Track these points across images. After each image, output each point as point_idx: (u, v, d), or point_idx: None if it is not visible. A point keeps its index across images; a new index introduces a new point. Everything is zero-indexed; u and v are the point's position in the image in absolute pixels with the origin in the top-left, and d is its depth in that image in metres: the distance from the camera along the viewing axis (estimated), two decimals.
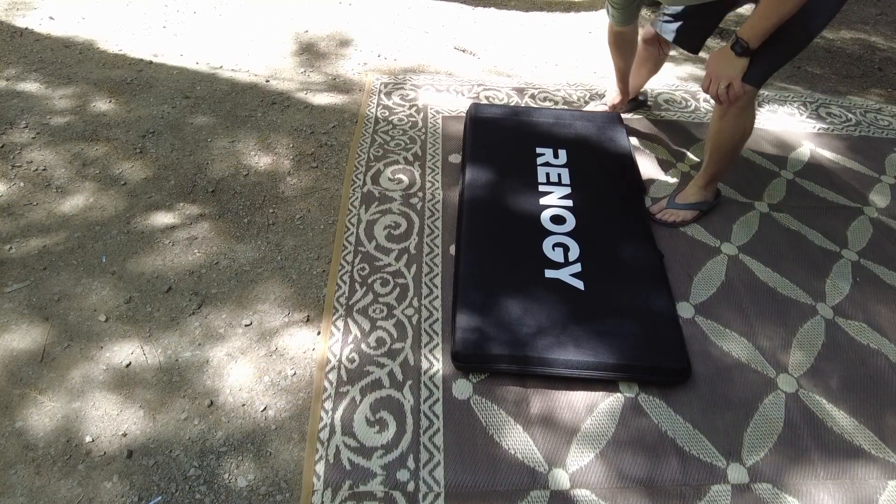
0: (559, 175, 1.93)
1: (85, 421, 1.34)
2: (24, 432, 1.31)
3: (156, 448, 1.30)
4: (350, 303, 1.59)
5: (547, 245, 1.68)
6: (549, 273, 1.60)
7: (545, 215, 1.77)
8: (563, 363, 1.41)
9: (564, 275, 1.60)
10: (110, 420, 1.35)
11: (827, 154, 2.24)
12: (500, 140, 2.05)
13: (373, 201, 1.90)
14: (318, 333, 1.54)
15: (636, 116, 2.37)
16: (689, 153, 2.18)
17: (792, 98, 2.59)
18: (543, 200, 1.82)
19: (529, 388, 1.43)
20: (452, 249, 1.74)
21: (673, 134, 2.28)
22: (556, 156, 2.00)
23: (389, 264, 1.70)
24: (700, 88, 2.13)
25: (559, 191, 1.86)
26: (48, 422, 1.33)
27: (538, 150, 2.02)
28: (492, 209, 1.79)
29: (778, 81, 2.80)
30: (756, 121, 1.73)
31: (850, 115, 2.49)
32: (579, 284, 1.57)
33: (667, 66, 2.81)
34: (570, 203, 1.82)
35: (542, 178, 1.91)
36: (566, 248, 1.67)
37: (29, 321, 1.53)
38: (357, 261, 1.71)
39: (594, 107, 2.38)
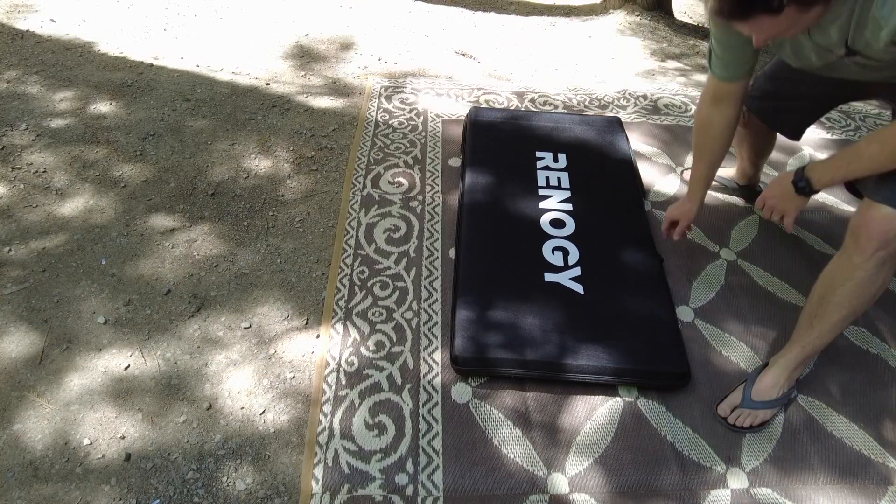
0: (559, 179, 1.93)
1: (83, 424, 1.34)
2: (22, 435, 1.31)
3: (154, 451, 1.30)
4: (349, 306, 1.59)
5: (547, 249, 1.68)
6: (548, 276, 1.60)
7: (545, 219, 1.77)
8: (563, 367, 1.41)
9: (564, 278, 1.60)
10: (108, 423, 1.34)
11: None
12: (500, 144, 2.05)
13: (372, 204, 1.90)
14: (318, 337, 1.54)
15: (637, 121, 2.37)
16: (689, 158, 2.18)
17: None
18: (543, 204, 1.83)
19: (529, 392, 1.43)
20: (452, 253, 1.74)
21: (673, 138, 2.29)
22: (555, 160, 2.00)
23: (389, 267, 1.70)
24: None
25: (559, 194, 1.86)
26: (46, 424, 1.33)
27: (538, 154, 2.02)
28: (491, 213, 1.79)
29: None
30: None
31: (849, 121, 2.50)
32: (579, 288, 1.57)
33: (668, 73, 2.82)
34: (569, 207, 1.82)
35: (541, 181, 1.91)
36: (566, 252, 1.67)
37: (28, 323, 1.52)
38: (356, 264, 1.71)
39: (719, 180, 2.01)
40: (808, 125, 1.64)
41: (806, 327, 1.33)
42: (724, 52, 1.33)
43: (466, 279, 1.58)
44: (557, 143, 2.08)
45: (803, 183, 1.24)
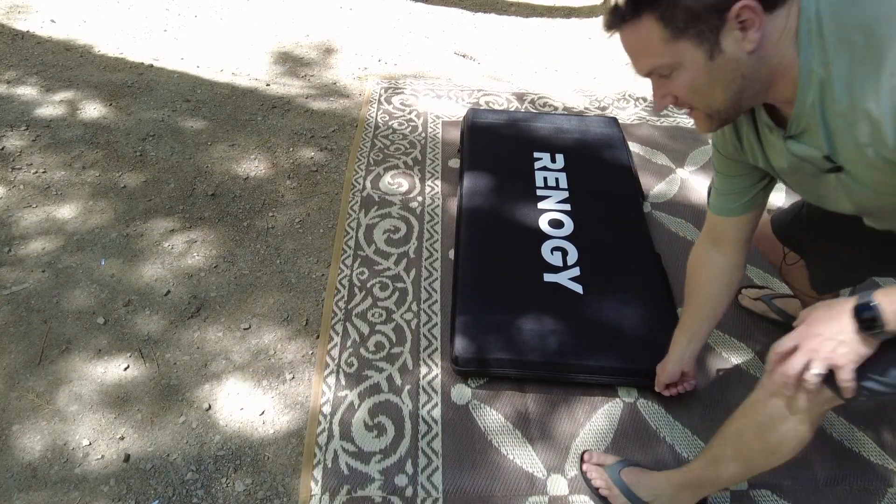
0: (556, 179, 1.93)
1: (82, 424, 1.34)
2: (21, 435, 1.31)
3: (153, 452, 1.30)
4: (349, 307, 1.59)
5: (546, 249, 1.68)
6: (547, 277, 1.60)
7: (543, 219, 1.77)
8: (563, 367, 1.41)
9: (563, 279, 1.60)
10: (108, 424, 1.34)
11: None
12: (498, 146, 2.05)
13: (372, 205, 1.90)
14: (317, 337, 1.54)
15: (635, 122, 2.37)
16: (690, 154, 2.18)
17: None
18: (541, 205, 1.83)
19: (528, 393, 1.43)
20: (452, 254, 1.74)
21: (673, 140, 2.29)
22: (553, 160, 2.00)
23: (388, 268, 1.70)
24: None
25: (557, 195, 1.86)
26: (45, 425, 1.33)
27: (535, 155, 2.02)
28: (490, 214, 1.79)
29: None
30: None
31: None
32: (578, 288, 1.57)
33: None
34: (567, 207, 1.82)
35: (539, 182, 1.91)
36: (565, 252, 1.67)
37: (27, 324, 1.52)
38: (356, 265, 1.70)
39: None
40: (842, 284, 1.28)
41: (710, 457, 1.09)
42: (724, 183, 1.07)
43: (466, 280, 1.58)
44: (555, 143, 2.08)
45: (871, 317, 0.77)
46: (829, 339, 0.81)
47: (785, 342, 0.85)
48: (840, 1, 0.72)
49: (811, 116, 0.77)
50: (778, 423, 0.93)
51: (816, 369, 0.81)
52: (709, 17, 0.72)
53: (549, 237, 1.72)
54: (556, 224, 1.76)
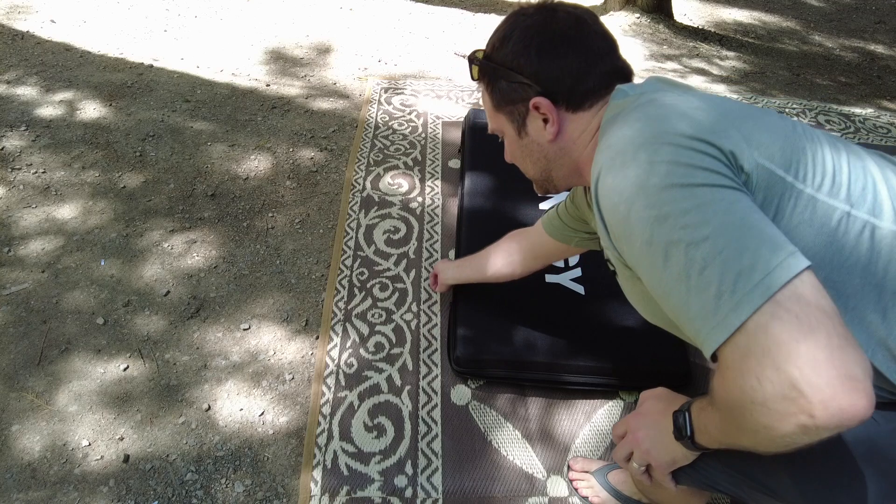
0: None
1: (81, 425, 1.33)
2: (21, 435, 1.31)
3: (153, 452, 1.30)
4: (349, 307, 1.59)
5: None
6: (549, 278, 1.60)
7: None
8: (564, 367, 1.40)
9: (565, 279, 1.60)
10: (107, 424, 1.34)
11: None
12: (499, 146, 2.04)
13: (372, 206, 1.90)
14: (317, 338, 1.54)
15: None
16: None
17: (791, 105, 2.59)
18: (543, 205, 1.82)
19: (528, 393, 1.43)
20: (452, 254, 1.74)
21: None
22: None
23: (388, 269, 1.70)
24: None
25: (559, 195, 1.86)
26: (45, 425, 1.33)
27: None
28: (491, 215, 1.79)
29: (776, 90, 2.81)
30: None
31: (848, 123, 2.50)
32: (580, 289, 1.57)
33: (667, 75, 2.82)
34: None
35: None
36: None
37: (27, 324, 1.52)
38: (356, 265, 1.70)
39: None
40: None
41: None
42: (568, 216, 1.17)
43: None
44: None
45: (682, 420, 0.74)
46: (652, 438, 0.80)
47: (619, 426, 0.87)
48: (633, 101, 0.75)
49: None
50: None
51: (637, 462, 0.84)
52: (517, 102, 0.83)
53: None
54: None
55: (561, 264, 1.64)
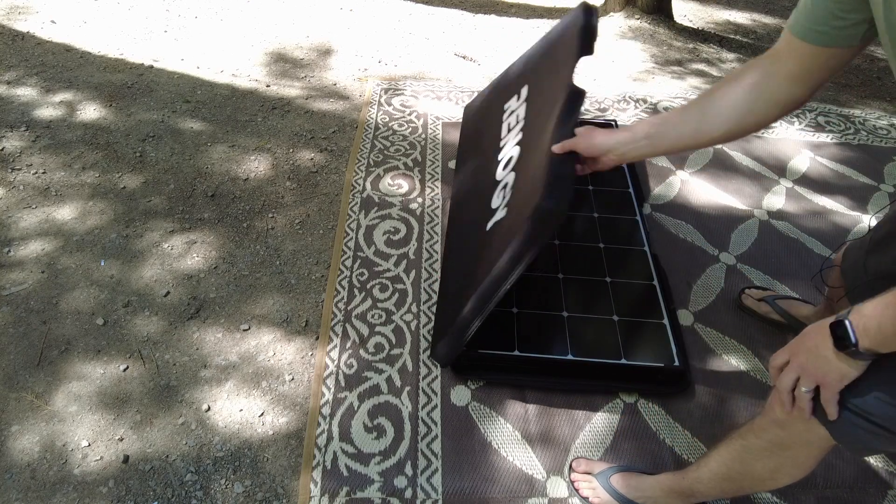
0: (517, 116, 1.55)
1: (81, 425, 1.33)
2: (20, 436, 1.31)
3: (152, 453, 1.30)
4: (349, 308, 1.59)
5: (496, 198, 1.46)
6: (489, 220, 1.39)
7: (499, 170, 1.53)
8: (564, 368, 1.40)
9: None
10: (107, 425, 1.34)
11: (826, 162, 2.25)
12: (479, 127, 1.89)
13: (372, 207, 1.90)
14: (317, 339, 1.54)
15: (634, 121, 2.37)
16: (690, 156, 2.18)
17: None
18: (500, 155, 1.55)
19: (528, 394, 1.43)
20: None
21: None
22: (518, 97, 1.61)
23: (388, 270, 1.70)
24: None
25: (513, 137, 1.54)
26: (44, 426, 1.33)
27: (505, 107, 1.67)
28: (463, 205, 1.71)
29: None
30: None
31: (848, 124, 2.50)
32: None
33: (668, 77, 2.82)
34: (521, 137, 1.47)
35: (504, 132, 1.58)
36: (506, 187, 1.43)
37: (26, 324, 1.52)
38: (356, 266, 1.70)
39: None
40: None
41: (700, 471, 1.08)
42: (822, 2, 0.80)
43: (447, 283, 1.57)
44: (521, 79, 1.67)
45: (841, 330, 0.73)
46: (815, 356, 0.77)
47: (779, 355, 0.83)
48: None
49: None
50: (778, 451, 0.91)
51: (805, 386, 0.80)
52: None
53: (500, 182, 1.50)
54: (508, 163, 1.50)
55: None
